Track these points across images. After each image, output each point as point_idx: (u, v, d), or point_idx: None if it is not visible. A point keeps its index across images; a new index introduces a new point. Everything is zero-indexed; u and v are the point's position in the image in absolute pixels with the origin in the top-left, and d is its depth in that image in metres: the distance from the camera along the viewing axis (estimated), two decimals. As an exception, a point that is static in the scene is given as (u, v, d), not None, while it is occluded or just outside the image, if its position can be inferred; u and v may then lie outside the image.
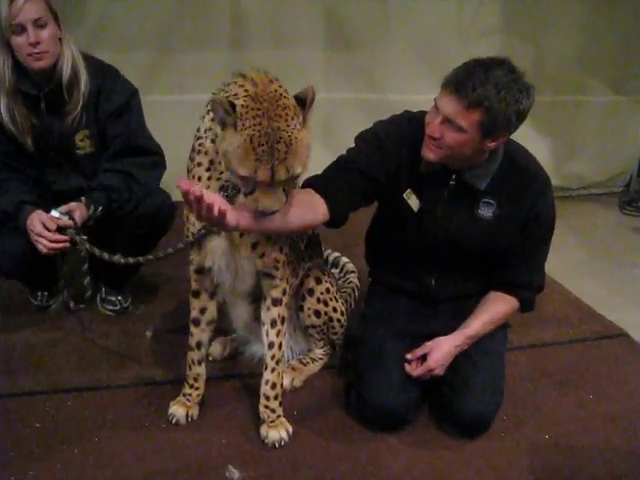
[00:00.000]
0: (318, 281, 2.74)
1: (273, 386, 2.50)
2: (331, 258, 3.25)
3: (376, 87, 4.94)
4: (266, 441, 2.47)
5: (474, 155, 2.40)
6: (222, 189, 2.23)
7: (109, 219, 2.92)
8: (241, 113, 1.98)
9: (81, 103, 2.91)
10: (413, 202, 2.56)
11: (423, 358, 2.57)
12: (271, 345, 2.49)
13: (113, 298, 3.29)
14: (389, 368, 2.57)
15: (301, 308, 2.75)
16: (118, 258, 2.53)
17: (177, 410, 2.58)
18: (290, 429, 2.51)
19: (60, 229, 2.77)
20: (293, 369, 2.83)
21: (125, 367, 2.87)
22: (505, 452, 2.51)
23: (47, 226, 2.75)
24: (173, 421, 2.56)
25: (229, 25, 4.72)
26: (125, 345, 3.03)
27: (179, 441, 2.47)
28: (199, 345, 2.58)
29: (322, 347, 2.89)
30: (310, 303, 2.73)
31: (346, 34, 4.87)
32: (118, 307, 3.30)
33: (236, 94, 2.05)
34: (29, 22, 2.71)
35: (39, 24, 2.74)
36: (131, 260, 2.53)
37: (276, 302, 2.46)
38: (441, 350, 2.56)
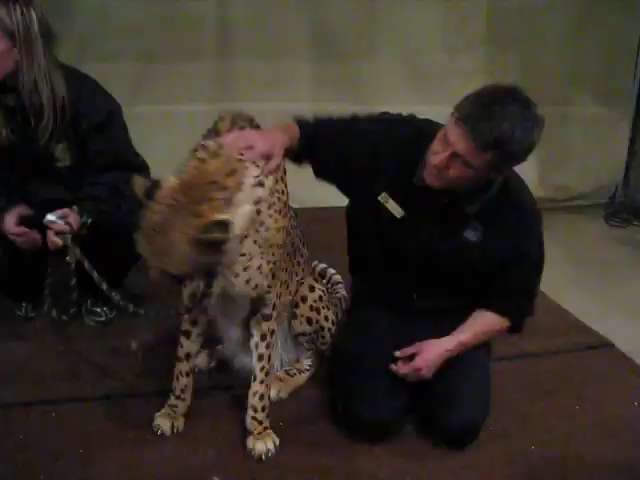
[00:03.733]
0: (311, 289, 2.76)
1: (261, 397, 2.49)
2: (318, 269, 3.25)
3: (362, 98, 4.94)
4: (253, 453, 2.46)
5: (474, 184, 2.37)
6: None
7: (94, 233, 2.89)
8: None
9: (51, 119, 2.84)
10: (393, 208, 2.51)
11: (411, 358, 2.54)
12: (260, 357, 2.49)
13: (98, 309, 3.27)
14: (373, 377, 2.55)
15: (294, 315, 2.76)
16: (109, 290, 2.60)
17: (162, 422, 2.56)
18: (277, 441, 2.50)
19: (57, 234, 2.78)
20: (280, 380, 2.82)
21: (110, 378, 2.85)
22: (491, 462, 2.51)
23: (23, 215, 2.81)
24: (158, 432, 2.54)
25: (216, 35, 4.74)
26: (110, 356, 3.01)
27: (164, 452, 2.45)
28: (188, 357, 2.57)
29: (310, 357, 2.89)
30: (303, 310, 2.75)
31: (333, 45, 4.90)
32: (103, 318, 3.28)
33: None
34: None
35: None
36: (116, 298, 2.59)
37: (267, 317, 2.47)
38: (432, 351, 2.53)
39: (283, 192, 2.36)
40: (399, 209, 2.51)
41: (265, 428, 2.51)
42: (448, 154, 2.24)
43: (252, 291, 2.37)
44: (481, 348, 2.68)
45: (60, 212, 2.80)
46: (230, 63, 4.77)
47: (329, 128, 2.60)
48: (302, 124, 2.55)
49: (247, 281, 2.32)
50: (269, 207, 2.25)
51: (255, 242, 2.26)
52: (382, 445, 2.55)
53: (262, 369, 2.49)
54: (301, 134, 2.51)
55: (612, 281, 4.21)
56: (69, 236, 2.76)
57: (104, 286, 2.61)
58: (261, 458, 2.45)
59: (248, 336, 2.58)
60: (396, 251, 2.57)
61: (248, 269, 2.30)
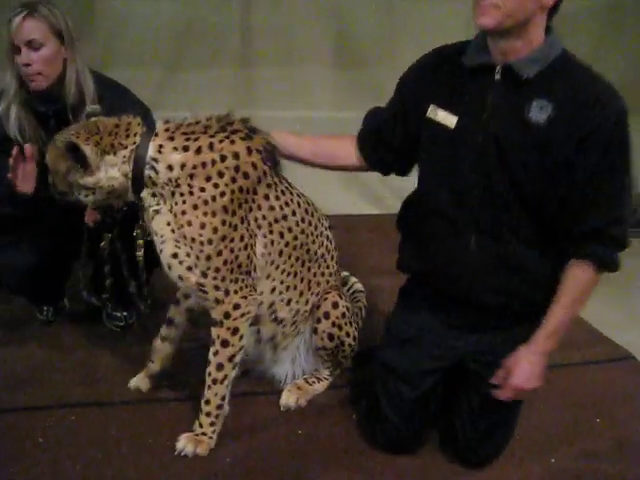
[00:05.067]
0: (335, 306, 2.72)
1: (206, 403, 2.49)
2: (341, 276, 3.24)
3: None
4: (175, 444, 2.48)
5: (533, 18, 2.08)
6: None
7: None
8: None
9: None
10: (444, 118, 2.27)
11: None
12: (208, 362, 2.48)
13: (119, 314, 3.28)
14: (405, 388, 2.49)
15: (315, 330, 2.74)
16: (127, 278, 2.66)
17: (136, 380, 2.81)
18: (202, 451, 2.47)
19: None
20: (299, 388, 2.82)
21: (127, 385, 2.85)
22: (514, 476, 2.48)
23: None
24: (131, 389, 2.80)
25: (238, 43, 4.76)
26: (130, 361, 3.01)
27: (184, 458, 2.45)
28: (170, 322, 2.76)
29: (329, 367, 2.88)
30: (325, 326, 2.72)
31: (354, 52, 4.90)
32: (123, 323, 3.29)
33: None
34: (22, 43, 2.71)
35: (33, 46, 2.71)
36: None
37: (215, 323, 2.44)
38: (521, 364, 2.25)
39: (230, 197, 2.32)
40: (450, 117, 2.26)
41: (203, 433, 2.49)
42: None
43: (180, 281, 2.40)
44: None
45: None
46: (252, 70, 4.80)
47: (373, 123, 2.58)
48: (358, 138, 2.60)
49: (168, 266, 2.37)
50: (193, 197, 2.28)
51: (168, 224, 2.32)
52: (403, 456, 2.53)
53: (209, 375, 2.47)
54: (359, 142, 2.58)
55: (635, 293, 4.16)
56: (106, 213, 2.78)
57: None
58: (178, 454, 2.45)
59: (261, 342, 2.67)
60: (452, 167, 2.27)
61: (164, 253, 2.36)
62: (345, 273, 3.26)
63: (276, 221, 2.48)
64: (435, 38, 4.80)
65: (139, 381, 2.82)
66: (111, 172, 2.31)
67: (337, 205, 4.23)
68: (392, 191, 4.65)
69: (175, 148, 2.30)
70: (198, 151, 2.29)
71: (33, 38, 2.71)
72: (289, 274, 2.59)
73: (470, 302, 2.35)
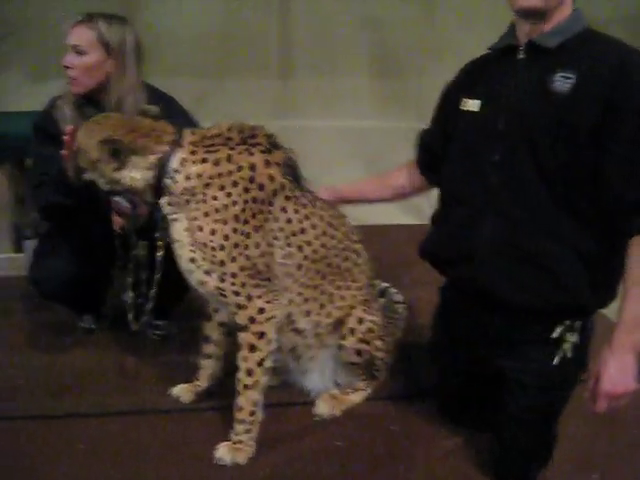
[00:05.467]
0: (360, 321, 2.69)
1: (239, 410, 2.48)
2: (380, 288, 3.22)
3: (424, 115, 4.88)
4: (214, 453, 2.48)
5: None
6: None
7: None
8: None
9: None
10: (472, 105, 2.30)
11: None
12: (237, 369, 2.48)
13: (160, 323, 3.30)
14: (454, 395, 2.61)
15: (342, 347, 2.71)
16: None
17: (179, 390, 2.82)
18: (240, 460, 2.46)
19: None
20: (334, 398, 2.80)
21: (168, 392, 2.86)
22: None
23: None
24: (174, 397, 2.82)
25: (278, 53, 4.79)
26: (170, 370, 3.03)
27: (222, 467, 2.45)
28: (206, 339, 2.78)
29: (365, 379, 2.85)
30: (351, 342, 2.69)
31: (395, 62, 4.90)
32: (164, 332, 3.31)
33: None
34: (70, 46, 2.85)
35: (77, 50, 2.85)
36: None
37: (241, 328, 2.44)
38: (607, 368, 2.06)
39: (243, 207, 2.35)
40: (476, 102, 2.29)
41: (240, 441, 2.49)
42: None
43: (201, 287, 2.43)
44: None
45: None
46: (291, 80, 4.82)
47: (428, 138, 2.65)
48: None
49: (189, 272, 2.41)
50: (206, 205, 2.33)
51: (185, 231, 2.37)
52: (444, 464, 2.51)
53: (239, 381, 2.47)
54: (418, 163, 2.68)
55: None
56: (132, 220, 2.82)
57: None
58: (215, 463, 2.45)
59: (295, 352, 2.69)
60: (475, 144, 2.27)
61: (182, 258, 2.40)
62: (385, 284, 3.24)
63: (294, 234, 2.48)
64: (476, 47, 4.84)
65: (182, 391, 2.83)
66: (134, 173, 2.37)
67: (375, 215, 4.23)
68: (430, 201, 4.61)
69: (195, 161, 2.35)
70: (216, 163, 2.34)
71: (78, 44, 2.84)
72: (308, 287, 2.58)
73: (482, 293, 2.26)
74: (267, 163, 2.38)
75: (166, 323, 3.32)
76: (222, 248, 2.33)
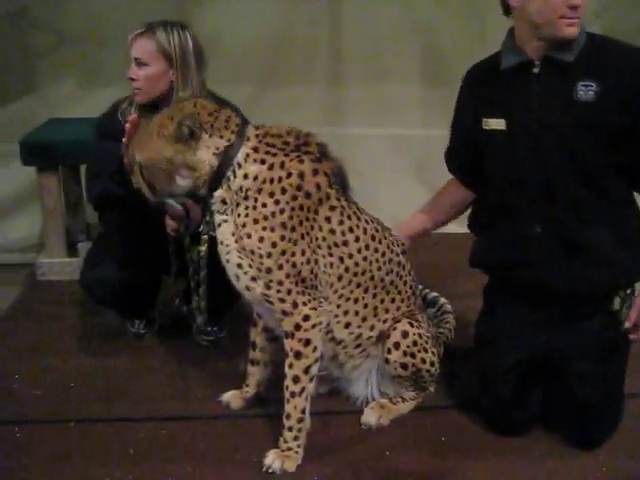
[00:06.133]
0: (405, 335, 2.66)
1: (287, 417, 2.48)
2: (429, 297, 3.20)
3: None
4: (263, 462, 2.46)
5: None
6: None
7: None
8: None
9: None
10: (496, 124, 2.45)
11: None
12: (284, 376, 2.47)
13: (209, 328, 3.32)
14: (498, 387, 2.61)
15: (387, 360, 2.69)
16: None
17: (229, 397, 2.84)
18: (289, 467, 2.45)
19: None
20: (381, 407, 2.78)
21: (218, 397, 2.87)
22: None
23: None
24: (224, 404, 2.83)
25: (327, 61, 4.79)
26: (218, 376, 3.05)
27: (270, 474, 2.44)
28: (253, 345, 2.78)
29: (414, 390, 2.82)
30: (396, 356, 2.67)
31: (443, 70, 4.85)
32: (213, 337, 3.33)
33: None
34: (133, 59, 2.92)
35: (139, 62, 2.91)
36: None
37: (287, 335, 2.44)
38: None
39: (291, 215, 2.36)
40: (500, 121, 2.44)
41: (289, 448, 2.48)
42: None
43: (247, 292, 2.44)
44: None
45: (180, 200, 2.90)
46: (341, 88, 4.81)
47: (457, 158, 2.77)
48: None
49: (236, 277, 2.41)
50: (255, 211, 2.33)
51: (233, 235, 2.37)
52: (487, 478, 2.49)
53: (287, 388, 2.47)
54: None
55: None
56: (184, 222, 2.88)
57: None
58: (265, 470, 2.44)
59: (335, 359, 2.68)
60: (512, 164, 2.45)
61: (230, 263, 2.41)
62: (434, 294, 3.22)
63: (336, 245, 2.47)
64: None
65: (231, 398, 2.84)
66: (203, 153, 2.35)
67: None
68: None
69: (255, 160, 2.35)
70: (271, 167, 2.34)
71: (139, 56, 2.91)
72: (348, 299, 2.56)
73: (540, 290, 2.46)
74: (315, 172, 2.38)
75: (216, 329, 3.33)
76: (269, 255, 2.33)
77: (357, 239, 2.52)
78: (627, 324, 2.46)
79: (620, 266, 2.42)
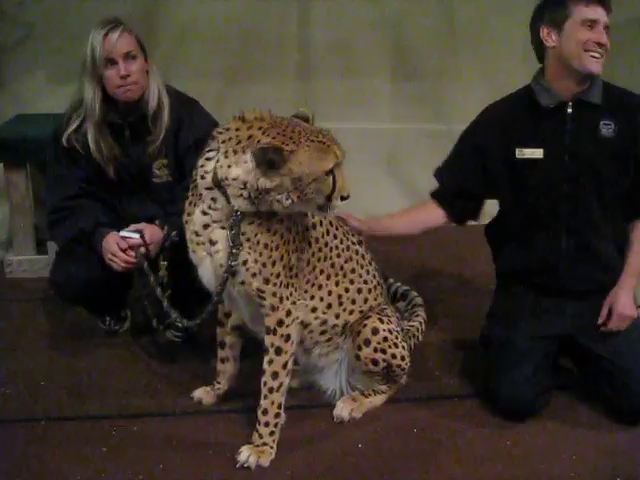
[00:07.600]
0: (375, 332, 2.67)
1: (264, 412, 2.50)
2: (400, 291, 3.22)
3: (443, 117, 4.90)
4: (237, 457, 2.47)
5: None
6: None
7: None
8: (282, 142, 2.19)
9: (163, 133, 3.00)
10: (532, 153, 2.77)
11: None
12: (263, 371, 2.49)
13: (180, 325, 3.28)
14: (517, 364, 2.74)
15: (358, 357, 2.70)
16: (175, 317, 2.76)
17: (200, 393, 2.85)
18: (264, 462, 2.46)
19: (132, 249, 2.89)
20: (353, 400, 2.79)
21: (190, 394, 2.87)
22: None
23: (120, 246, 2.87)
24: (195, 401, 2.84)
25: (296, 55, 4.79)
26: (190, 372, 3.05)
27: (244, 469, 2.45)
28: (222, 345, 2.79)
29: (385, 383, 2.84)
30: (367, 353, 2.68)
31: (413, 64, 4.88)
32: (184, 334, 3.30)
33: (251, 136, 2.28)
34: (120, 56, 2.87)
35: (130, 56, 2.89)
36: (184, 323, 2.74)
37: (269, 330, 2.46)
38: (620, 298, 2.77)
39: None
40: (536, 150, 2.77)
41: (264, 444, 2.49)
42: (603, 26, 2.60)
43: (240, 287, 2.43)
44: None
45: (132, 227, 2.92)
46: (311, 83, 4.81)
47: (451, 183, 2.97)
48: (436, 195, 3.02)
49: (233, 273, 2.39)
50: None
51: (243, 234, 2.35)
52: (460, 467, 2.49)
53: (265, 384, 2.49)
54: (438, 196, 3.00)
55: None
56: (142, 252, 2.88)
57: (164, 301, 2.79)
58: (240, 466, 2.44)
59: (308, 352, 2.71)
60: (543, 189, 2.78)
61: (216, 263, 2.40)
62: (405, 287, 3.24)
63: (307, 229, 2.50)
64: (496, 50, 4.83)
65: (203, 394, 2.85)
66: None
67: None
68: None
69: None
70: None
71: (130, 50, 2.89)
72: (313, 285, 2.58)
73: (559, 289, 2.85)
74: None
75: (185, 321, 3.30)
76: (277, 248, 2.36)
77: (321, 223, 2.56)
78: (600, 320, 2.79)
79: (618, 270, 2.83)
